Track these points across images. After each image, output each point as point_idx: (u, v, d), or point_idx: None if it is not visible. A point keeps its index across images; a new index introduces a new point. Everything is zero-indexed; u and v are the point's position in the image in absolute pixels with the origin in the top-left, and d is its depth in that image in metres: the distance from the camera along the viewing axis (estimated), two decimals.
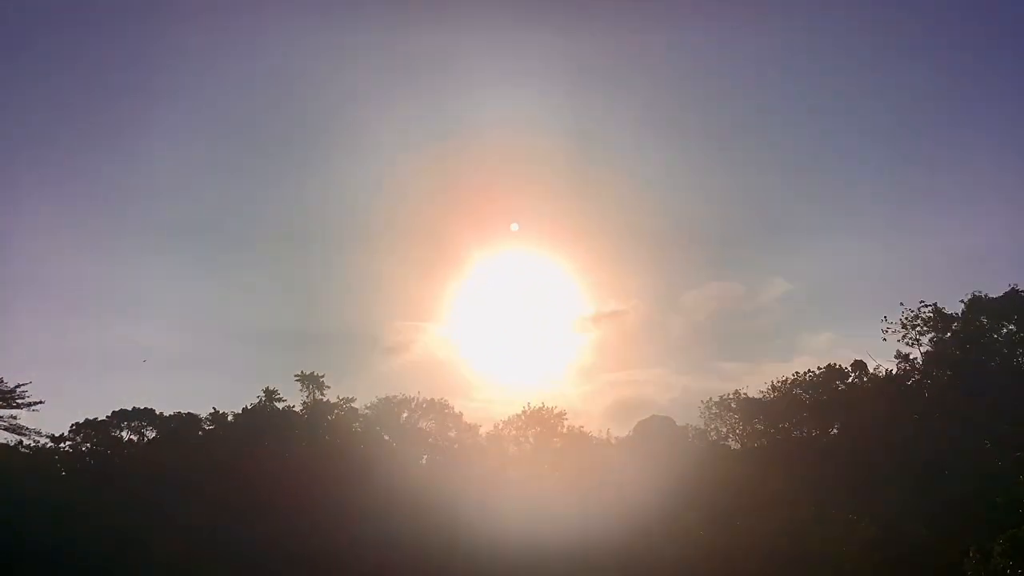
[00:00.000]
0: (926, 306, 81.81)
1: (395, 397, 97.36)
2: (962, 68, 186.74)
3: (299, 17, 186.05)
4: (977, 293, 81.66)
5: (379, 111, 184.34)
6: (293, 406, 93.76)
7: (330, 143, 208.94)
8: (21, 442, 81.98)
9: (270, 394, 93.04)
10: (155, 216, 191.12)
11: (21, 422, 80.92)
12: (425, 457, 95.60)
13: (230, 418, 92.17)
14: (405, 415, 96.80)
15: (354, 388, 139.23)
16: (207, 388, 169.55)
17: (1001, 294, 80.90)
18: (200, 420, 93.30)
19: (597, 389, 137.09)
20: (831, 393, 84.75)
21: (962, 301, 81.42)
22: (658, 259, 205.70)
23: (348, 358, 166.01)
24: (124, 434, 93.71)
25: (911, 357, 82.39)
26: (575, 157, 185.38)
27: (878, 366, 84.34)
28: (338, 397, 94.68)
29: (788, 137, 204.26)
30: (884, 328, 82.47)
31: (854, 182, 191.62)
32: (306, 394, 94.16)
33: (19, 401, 79.50)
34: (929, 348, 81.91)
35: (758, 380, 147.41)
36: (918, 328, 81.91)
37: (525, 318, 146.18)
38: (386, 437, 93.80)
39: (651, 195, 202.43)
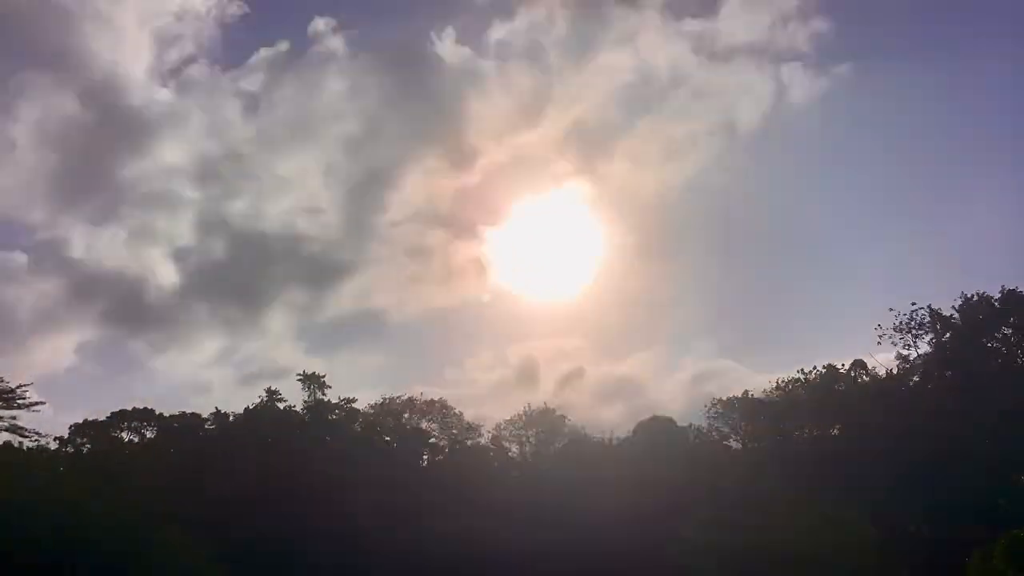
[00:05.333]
0: (919, 309, 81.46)
1: (396, 397, 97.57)
2: (960, 65, 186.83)
3: None
4: (972, 294, 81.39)
5: None
6: (294, 406, 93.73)
7: None
8: (21, 443, 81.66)
9: (272, 394, 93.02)
10: None
11: (21, 423, 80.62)
12: (426, 457, 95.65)
13: (231, 418, 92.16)
14: (406, 415, 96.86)
15: None
16: None
17: (998, 295, 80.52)
18: (201, 420, 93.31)
19: None
20: (832, 393, 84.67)
21: (956, 305, 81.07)
22: None
23: None
24: (124, 434, 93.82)
25: (911, 358, 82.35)
26: None
27: (877, 366, 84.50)
28: (339, 397, 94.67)
29: None
30: (879, 334, 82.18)
31: None
32: (307, 394, 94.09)
33: (19, 402, 79.12)
34: (928, 349, 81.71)
35: None
36: (914, 331, 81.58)
37: None
38: (387, 438, 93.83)
39: None
